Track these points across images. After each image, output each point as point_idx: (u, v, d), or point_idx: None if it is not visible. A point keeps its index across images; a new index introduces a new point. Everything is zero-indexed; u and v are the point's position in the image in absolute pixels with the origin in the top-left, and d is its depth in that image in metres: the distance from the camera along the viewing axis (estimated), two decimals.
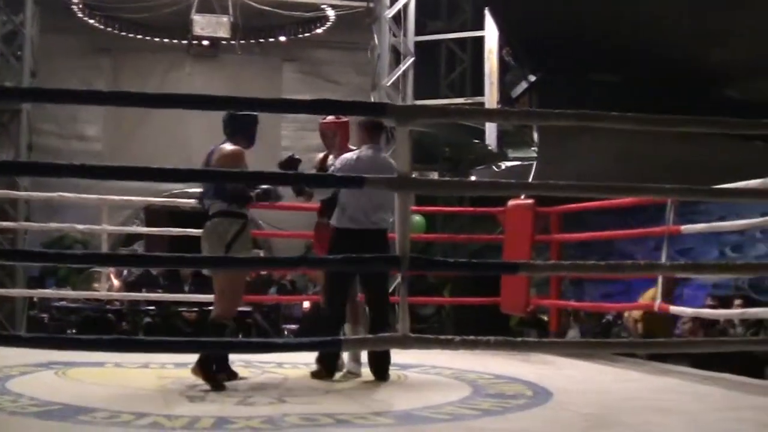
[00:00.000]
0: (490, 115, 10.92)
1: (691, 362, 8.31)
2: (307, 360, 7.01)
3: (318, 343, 5.34)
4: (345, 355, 6.85)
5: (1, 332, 10.44)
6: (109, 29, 16.05)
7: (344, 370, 6.82)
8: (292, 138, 16.80)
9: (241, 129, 6.44)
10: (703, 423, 5.09)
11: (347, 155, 6.81)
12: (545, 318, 11.84)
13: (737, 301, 11.49)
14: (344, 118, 7.20)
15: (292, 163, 6.93)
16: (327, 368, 6.58)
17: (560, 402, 5.66)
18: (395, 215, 4.63)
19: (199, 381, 6.01)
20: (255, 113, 6.61)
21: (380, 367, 6.55)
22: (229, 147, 6.33)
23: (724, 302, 12.36)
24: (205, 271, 6.62)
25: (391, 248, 6.47)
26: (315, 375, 6.58)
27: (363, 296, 6.98)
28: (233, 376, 6.31)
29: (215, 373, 6.01)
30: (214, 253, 6.15)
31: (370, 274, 6.60)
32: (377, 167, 6.48)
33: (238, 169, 6.00)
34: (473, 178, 15.57)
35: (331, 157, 7.21)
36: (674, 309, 8.27)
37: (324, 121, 7.21)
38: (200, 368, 5.97)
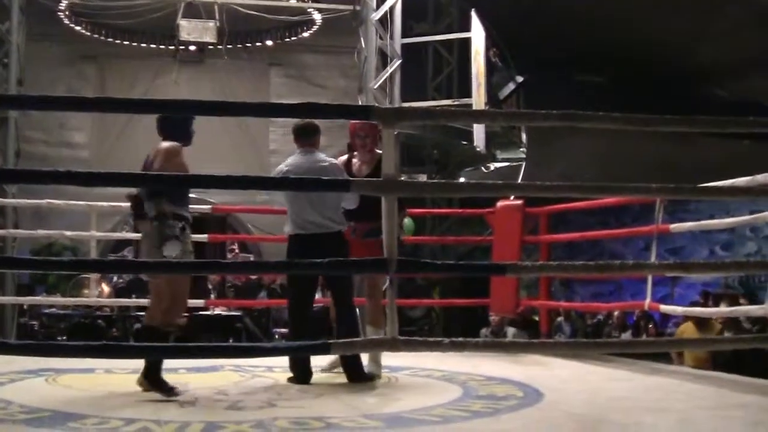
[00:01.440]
0: (477, 116, 10.91)
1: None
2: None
3: (305, 347, 5.34)
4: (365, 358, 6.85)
5: None
6: (96, 36, 16.04)
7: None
8: (281, 142, 16.80)
9: (174, 130, 6.20)
10: (693, 422, 5.09)
11: (279, 167, 6.76)
12: (536, 318, 11.87)
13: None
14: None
15: None
16: (298, 374, 6.52)
17: (551, 402, 5.66)
18: (383, 218, 4.61)
19: (190, 386, 6.00)
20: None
21: (351, 369, 6.56)
22: (164, 144, 6.13)
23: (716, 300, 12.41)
24: (144, 276, 6.35)
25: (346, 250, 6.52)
26: (290, 380, 6.54)
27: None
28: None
29: (161, 380, 5.77)
30: (150, 256, 5.91)
31: (333, 278, 6.60)
32: (312, 171, 6.48)
33: (172, 164, 5.90)
34: (462, 179, 15.60)
35: (355, 159, 7.18)
36: (665, 308, 8.29)
37: (359, 121, 7.04)
38: (145, 378, 5.78)
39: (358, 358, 6.55)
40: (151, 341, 5.88)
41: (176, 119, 6.20)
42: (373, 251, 6.36)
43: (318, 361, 6.75)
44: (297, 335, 6.59)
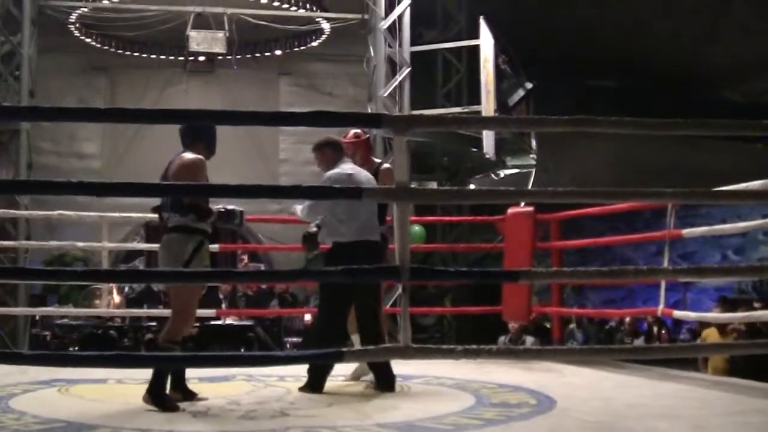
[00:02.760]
0: (487, 122, 10.91)
1: None
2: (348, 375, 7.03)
3: (320, 355, 5.32)
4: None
5: (3, 350, 10.40)
6: (106, 47, 16.11)
7: (368, 380, 6.80)
8: (290, 151, 16.87)
9: (201, 138, 6.16)
10: (708, 428, 5.05)
11: (334, 172, 6.56)
12: (547, 325, 11.84)
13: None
14: (363, 136, 7.17)
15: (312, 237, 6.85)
16: (312, 384, 6.47)
17: (564, 409, 5.63)
18: (395, 226, 4.60)
19: (202, 395, 6.00)
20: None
21: (384, 378, 6.54)
22: (189, 156, 6.04)
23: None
24: (159, 287, 6.29)
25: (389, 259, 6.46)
26: (301, 389, 6.49)
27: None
28: (190, 395, 6.03)
29: (165, 397, 5.70)
30: (168, 267, 5.88)
31: (364, 286, 6.46)
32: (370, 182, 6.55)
33: (196, 179, 5.86)
34: (472, 186, 15.58)
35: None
36: (677, 314, 8.24)
37: (344, 139, 7.08)
38: (149, 395, 5.68)
39: (389, 367, 6.50)
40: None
41: (201, 129, 6.14)
42: None
43: (342, 370, 6.75)
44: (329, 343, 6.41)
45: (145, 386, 6.00)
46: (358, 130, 7.15)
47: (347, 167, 6.62)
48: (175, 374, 5.95)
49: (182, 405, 5.71)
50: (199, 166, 5.99)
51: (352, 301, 6.57)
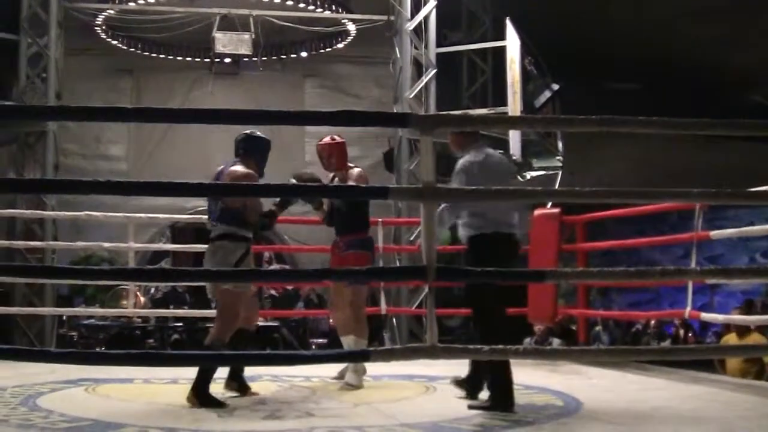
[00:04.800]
0: (515, 122, 10.83)
1: None
2: (332, 373, 7.06)
3: (345, 354, 5.32)
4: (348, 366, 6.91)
5: (30, 348, 10.47)
6: (132, 49, 16.19)
7: (343, 382, 6.81)
8: (316, 153, 16.84)
9: (255, 151, 6.36)
10: (736, 431, 5.02)
11: (468, 159, 6.11)
12: (573, 328, 11.78)
13: None
14: (339, 140, 7.20)
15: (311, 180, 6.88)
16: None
17: (591, 411, 5.61)
18: (421, 226, 4.60)
19: (228, 395, 6.03)
20: (268, 139, 6.54)
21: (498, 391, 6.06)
22: (240, 169, 6.18)
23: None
24: (209, 294, 6.45)
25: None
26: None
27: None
28: (245, 389, 6.28)
29: (209, 395, 5.81)
30: None
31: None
32: (503, 163, 6.37)
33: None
34: None
35: (334, 176, 7.24)
36: (705, 316, 8.19)
37: (320, 142, 7.25)
38: (194, 395, 5.78)
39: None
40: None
41: (260, 146, 6.37)
42: (352, 265, 6.70)
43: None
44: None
45: (172, 386, 6.05)
46: (336, 135, 7.22)
47: (479, 153, 6.16)
48: (233, 367, 6.27)
49: (233, 398, 6.06)
50: (251, 179, 6.11)
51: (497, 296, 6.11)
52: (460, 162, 6.09)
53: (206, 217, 6.42)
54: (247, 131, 6.42)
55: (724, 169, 18.01)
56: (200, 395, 5.75)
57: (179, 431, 4.83)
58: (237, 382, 6.29)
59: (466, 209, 5.97)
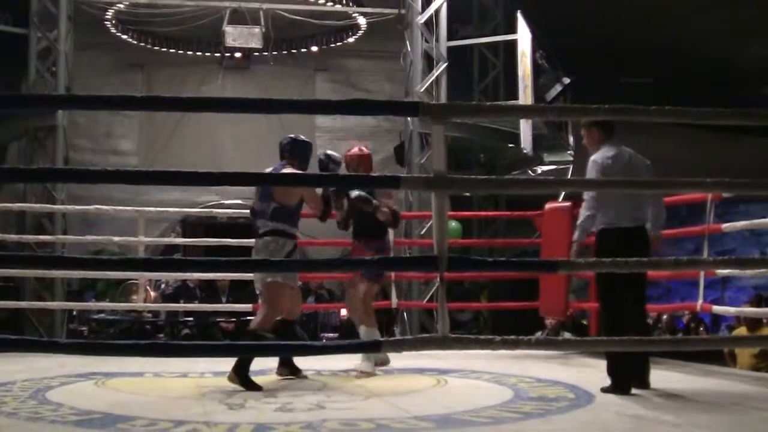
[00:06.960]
0: (527, 111, 10.73)
1: None
2: (346, 366, 7.06)
3: (356, 345, 5.29)
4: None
5: (39, 339, 10.45)
6: (142, 44, 16.19)
7: (357, 371, 6.92)
8: (326, 147, 16.78)
9: (300, 153, 6.77)
10: (749, 423, 4.98)
11: (598, 156, 6.09)
12: (584, 323, 11.74)
13: None
14: (366, 151, 7.54)
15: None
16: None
17: (602, 404, 5.57)
18: (433, 216, 4.57)
19: (238, 388, 6.03)
20: (310, 142, 6.99)
21: None
22: (293, 171, 6.64)
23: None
24: (257, 288, 6.78)
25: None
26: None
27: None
28: (296, 371, 6.80)
29: (248, 378, 6.20)
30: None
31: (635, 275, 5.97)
32: (635, 160, 6.21)
33: (298, 193, 6.58)
34: None
35: None
36: (717, 309, 8.14)
37: (349, 153, 7.46)
38: (236, 374, 6.17)
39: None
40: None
41: (303, 146, 6.82)
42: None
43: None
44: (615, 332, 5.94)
45: (182, 380, 6.06)
46: (363, 146, 7.61)
47: (611, 150, 6.10)
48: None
49: (286, 379, 6.67)
50: None
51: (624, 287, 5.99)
52: (592, 158, 6.12)
53: (246, 213, 7.08)
54: (291, 135, 6.89)
55: (739, 165, 17.93)
56: (241, 375, 6.14)
57: (190, 423, 4.79)
58: (288, 368, 6.79)
59: (601, 204, 6.03)
